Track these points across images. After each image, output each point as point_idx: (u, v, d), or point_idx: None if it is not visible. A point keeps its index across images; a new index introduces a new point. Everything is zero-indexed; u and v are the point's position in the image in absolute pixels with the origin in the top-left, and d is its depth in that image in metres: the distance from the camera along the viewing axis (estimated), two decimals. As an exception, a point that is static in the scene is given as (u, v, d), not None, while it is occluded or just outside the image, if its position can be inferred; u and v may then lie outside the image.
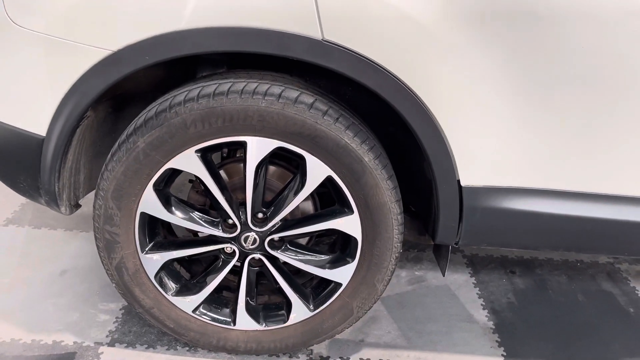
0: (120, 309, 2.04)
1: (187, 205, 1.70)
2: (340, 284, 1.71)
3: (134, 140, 1.53)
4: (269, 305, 1.85)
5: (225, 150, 1.84)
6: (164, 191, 1.64)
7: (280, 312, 1.80)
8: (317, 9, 1.41)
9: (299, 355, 1.88)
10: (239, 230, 1.67)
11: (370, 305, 1.75)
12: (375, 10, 1.41)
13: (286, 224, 1.68)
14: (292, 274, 1.77)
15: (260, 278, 1.82)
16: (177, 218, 1.66)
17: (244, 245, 1.69)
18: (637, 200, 1.62)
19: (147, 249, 1.69)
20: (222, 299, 1.84)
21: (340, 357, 1.89)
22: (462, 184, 1.58)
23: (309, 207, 1.81)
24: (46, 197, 1.68)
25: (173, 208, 1.65)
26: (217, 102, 1.48)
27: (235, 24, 1.43)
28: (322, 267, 1.71)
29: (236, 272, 1.77)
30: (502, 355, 1.95)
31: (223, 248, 1.71)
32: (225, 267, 1.73)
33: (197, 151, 1.54)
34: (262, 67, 1.65)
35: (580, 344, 2.02)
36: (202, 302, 1.76)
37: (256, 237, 1.67)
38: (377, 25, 1.42)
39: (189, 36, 1.44)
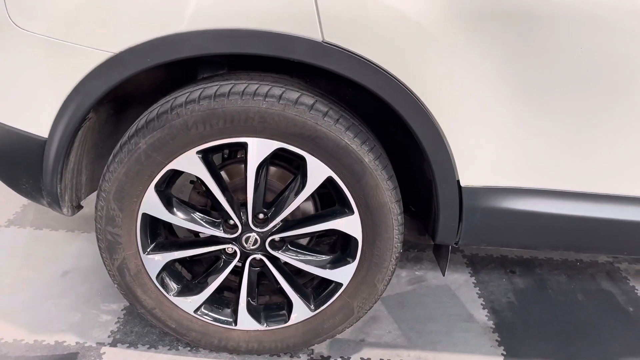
0: (122, 310, 2.04)
1: (188, 206, 1.71)
2: (340, 284, 1.72)
3: (136, 141, 1.54)
4: (270, 305, 1.86)
5: (226, 151, 1.84)
6: (165, 192, 1.65)
7: (281, 312, 1.81)
8: (317, 10, 1.42)
9: (300, 355, 1.89)
10: (240, 231, 1.68)
11: (371, 305, 1.76)
12: (375, 12, 1.42)
13: (287, 225, 1.69)
14: (293, 274, 1.78)
15: (261, 278, 1.83)
16: (178, 219, 1.67)
17: (245, 245, 1.70)
18: (636, 200, 1.63)
19: (148, 250, 1.70)
20: (224, 299, 1.85)
21: (341, 357, 1.90)
22: (462, 184, 1.59)
23: (310, 207, 1.82)
24: (48, 199, 1.69)
25: (174, 209, 1.66)
26: (218, 103, 1.49)
27: (235, 26, 1.43)
28: (323, 267, 1.72)
29: (237, 272, 1.77)
30: (502, 354, 1.96)
31: (224, 248, 1.72)
32: (226, 268, 1.73)
33: (198, 152, 1.55)
34: (263, 68, 1.66)
35: (579, 343, 2.03)
36: (204, 303, 1.77)
37: (257, 237, 1.68)
38: (377, 26, 1.43)
39: (190, 38, 1.44)
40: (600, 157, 1.58)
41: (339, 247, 1.79)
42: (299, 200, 1.62)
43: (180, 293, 1.76)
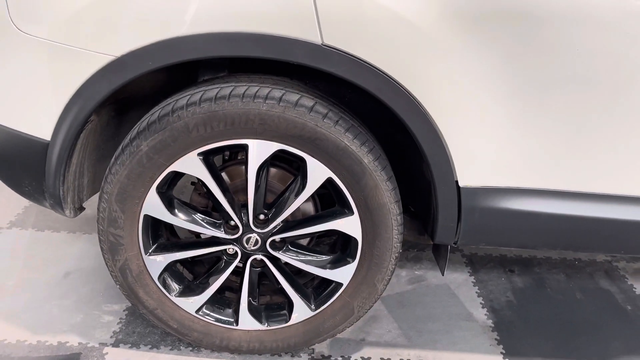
0: (124, 310, 2.05)
1: (189, 208, 1.72)
2: (341, 284, 1.73)
3: (137, 144, 1.55)
4: (271, 305, 1.87)
5: (227, 152, 1.86)
6: (166, 194, 1.66)
7: (282, 312, 1.82)
8: (317, 13, 1.42)
9: (301, 354, 1.90)
10: (241, 232, 1.69)
11: (371, 305, 1.77)
12: (374, 14, 1.43)
13: (287, 225, 1.70)
14: (293, 274, 1.79)
15: (262, 278, 1.84)
16: (179, 220, 1.68)
17: (246, 246, 1.71)
18: (634, 199, 1.64)
19: (150, 251, 1.71)
20: (225, 300, 1.86)
21: (341, 356, 1.91)
22: (461, 184, 1.60)
23: (310, 208, 1.83)
24: (51, 201, 1.70)
25: (176, 210, 1.67)
26: (219, 105, 1.50)
27: (236, 30, 1.44)
28: (323, 267, 1.73)
29: (238, 272, 1.78)
30: (502, 352, 1.97)
31: (225, 249, 1.73)
32: (227, 268, 1.74)
33: (199, 154, 1.56)
34: (263, 70, 1.67)
35: (578, 341, 2.04)
36: (205, 303, 1.78)
37: (258, 238, 1.69)
38: (376, 29, 1.44)
39: (191, 41, 1.45)
40: (599, 157, 1.58)
41: (339, 248, 1.80)
42: (299, 201, 1.63)
43: (181, 293, 1.77)
